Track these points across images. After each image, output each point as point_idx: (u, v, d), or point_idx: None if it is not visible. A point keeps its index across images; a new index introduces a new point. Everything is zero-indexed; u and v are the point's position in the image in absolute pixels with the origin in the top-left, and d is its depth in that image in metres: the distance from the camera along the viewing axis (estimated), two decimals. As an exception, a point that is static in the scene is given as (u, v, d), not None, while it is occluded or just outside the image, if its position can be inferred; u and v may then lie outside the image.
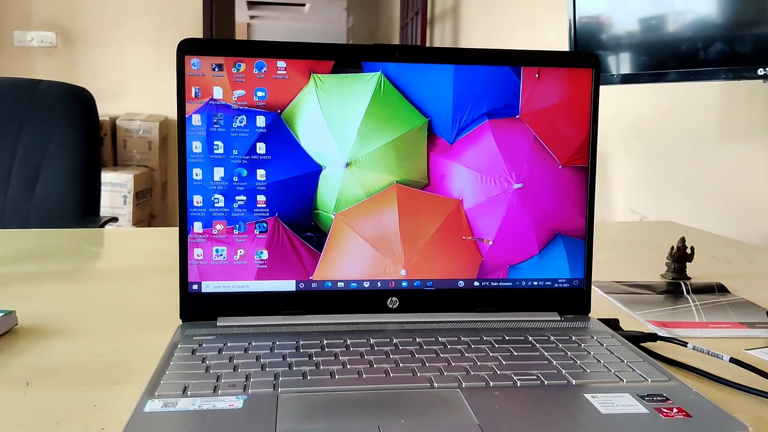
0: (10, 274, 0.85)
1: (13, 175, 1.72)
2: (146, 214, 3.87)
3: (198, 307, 0.62)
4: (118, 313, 0.70)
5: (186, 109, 0.60)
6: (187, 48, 0.60)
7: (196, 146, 0.61)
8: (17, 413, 0.47)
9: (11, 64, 3.94)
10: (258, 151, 0.62)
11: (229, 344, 0.56)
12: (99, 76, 3.98)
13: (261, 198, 0.62)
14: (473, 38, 3.43)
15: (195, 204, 0.61)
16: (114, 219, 1.82)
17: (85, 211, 1.75)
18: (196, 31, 4.09)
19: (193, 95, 0.61)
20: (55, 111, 1.75)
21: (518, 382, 0.49)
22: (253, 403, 0.45)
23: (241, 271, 0.62)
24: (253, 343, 0.56)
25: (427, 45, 4.17)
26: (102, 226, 1.71)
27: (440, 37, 4.05)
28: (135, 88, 3.98)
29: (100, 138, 1.85)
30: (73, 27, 3.99)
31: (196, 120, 0.61)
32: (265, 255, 0.63)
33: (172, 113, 4.18)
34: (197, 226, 0.62)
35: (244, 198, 0.62)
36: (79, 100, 1.78)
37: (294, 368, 0.51)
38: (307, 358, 0.53)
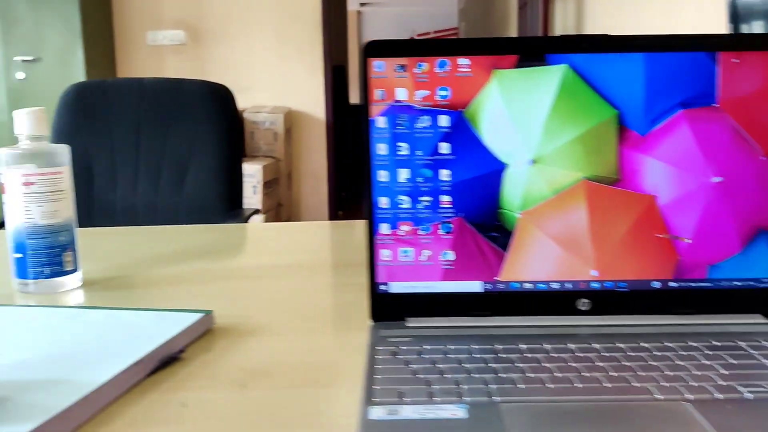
0: (185, 272, 0.89)
1: (163, 173, 1.82)
2: (274, 203, 4.00)
3: (386, 308, 0.62)
4: (304, 312, 0.71)
5: (371, 111, 0.61)
6: (370, 51, 0.60)
7: (381, 148, 0.61)
8: (240, 415, 0.48)
9: (145, 63, 4.16)
10: (442, 151, 0.61)
11: (425, 347, 0.56)
12: (225, 70, 4.14)
13: (445, 198, 0.62)
14: (599, 18, 3.29)
15: (381, 205, 0.62)
16: (256, 211, 1.89)
17: (230, 205, 1.82)
18: (315, 23, 4.16)
19: (377, 97, 0.61)
20: (198, 108, 1.83)
21: (749, 395, 0.46)
22: (476, 412, 0.44)
23: (427, 272, 0.62)
24: (449, 347, 0.56)
25: (550, 26, 4.05)
26: (247, 219, 1.78)
27: (562, 18, 3.92)
28: (259, 81, 4.10)
29: (241, 133, 1.91)
30: (200, 25, 4.16)
31: (381, 122, 0.61)
32: (450, 256, 0.62)
33: (296, 104, 4.30)
34: (384, 228, 0.62)
35: (429, 199, 0.62)
36: (221, 97, 1.85)
37: (501, 374, 0.50)
38: (510, 364, 0.52)
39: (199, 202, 1.81)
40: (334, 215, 4.60)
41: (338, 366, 0.57)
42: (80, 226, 0.85)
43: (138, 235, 1.15)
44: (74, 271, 0.80)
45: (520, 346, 0.56)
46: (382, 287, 0.63)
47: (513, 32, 5.45)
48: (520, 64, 0.60)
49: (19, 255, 0.77)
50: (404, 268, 0.62)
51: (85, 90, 1.84)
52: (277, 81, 4.22)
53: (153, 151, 1.81)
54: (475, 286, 0.62)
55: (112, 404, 0.50)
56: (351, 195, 5.80)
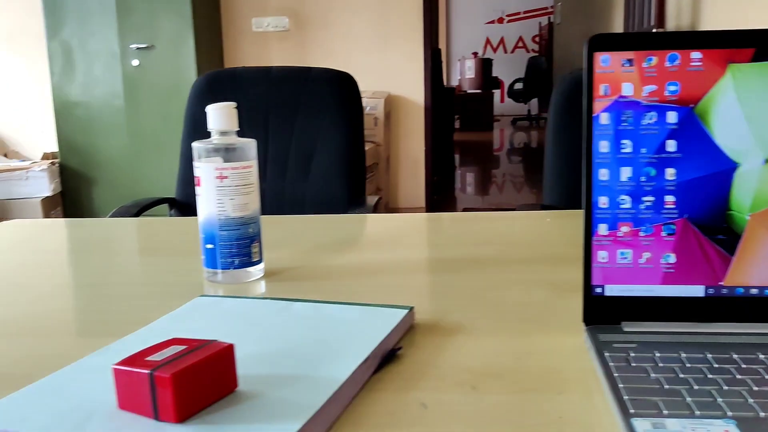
0: (355, 262, 0.89)
1: (290, 160, 1.85)
2: (373, 187, 4.02)
3: (602, 311, 0.61)
4: (502, 310, 0.70)
5: (594, 107, 0.59)
6: (596, 44, 0.58)
7: (603, 146, 0.59)
8: (481, 419, 0.48)
9: (251, 49, 4.25)
10: (668, 149, 0.58)
11: (657, 354, 0.54)
12: (327, 56, 4.18)
13: (670, 198, 0.59)
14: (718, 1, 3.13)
15: (600, 205, 0.60)
16: (380, 199, 1.90)
17: (354, 192, 1.83)
18: (415, 7, 4.14)
19: (601, 93, 0.58)
20: (324, 97, 1.84)
21: None
22: (749, 430, 0.42)
23: (646, 275, 0.60)
24: (683, 354, 0.54)
25: (663, 10, 3.88)
26: (374, 208, 1.78)
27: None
28: (360, 66, 4.12)
29: (363, 121, 1.92)
30: (303, 11, 4.21)
31: (604, 119, 0.59)
32: (672, 258, 0.59)
33: (395, 90, 4.30)
34: (602, 228, 0.60)
35: (652, 199, 0.59)
36: (346, 85, 1.86)
37: (756, 388, 0.48)
38: (759, 376, 0.50)
39: (324, 189, 1.83)
40: (430, 199, 4.59)
41: (564, 371, 0.55)
42: (260, 218, 0.86)
43: (292, 223, 1.17)
44: (259, 262, 0.82)
45: (760, 356, 0.53)
46: (598, 290, 0.61)
47: (619, 12, 5.26)
48: (758, 57, 0.57)
49: (210, 246, 0.80)
50: (622, 270, 0.60)
51: (215, 79, 1.89)
52: (378, 66, 4.23)
53: (281, 139, 1.84)
54: (696, 290, 0.60)
55: (352, 403, 0.51)
56: (442, 179, 5.77)
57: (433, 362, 0.58)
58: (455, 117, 8.35)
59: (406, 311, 0.64)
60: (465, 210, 4.96)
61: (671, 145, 0.58)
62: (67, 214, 4.15)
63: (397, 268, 0.87)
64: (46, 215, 3.92)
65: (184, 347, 0.48)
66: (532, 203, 4.27)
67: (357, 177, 1.85)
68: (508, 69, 10.46)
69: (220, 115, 0.78)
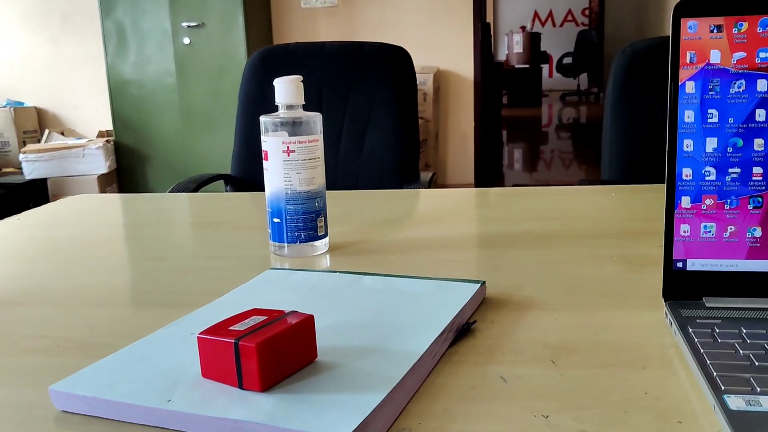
0: (417, 237, 0.89)
1: (344, 136, 1.84)
2: (422, 164, 4.00)
3: (683, 286, 0.59)
4: (574, 284, 0.69)
5: (680, 75, 0.56)
6: (683, 10, 0.56)
7: (689, 116, 0.57)
8: (564, 394, 0.47)
9: (300, 25, 4.25)
10: (757, 119, 0.56)
11: (744, 330, 0.52)
12: (375, 31, 4.15)
13: (757, 170, 0.57)
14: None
15: (684, 177, 0.58)
16: (434, 174, 1.88)
17: (407, 168, 1.82)
18: (466, -20, 4.07)
19: (687, 60, 0.56)
20: (378, 71, 1.83)
21: None
22: None
23: (731, 249, 0.58)
24: (771, 332, 0.52)
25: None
26: (430, 183, 1.78)
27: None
28: (409, 41, 4.08)
29: (417, 96, 1.90)
30: (351, -14, 4.18)
31: (690, 87, 0.56)
32: (758, 232, 0.57)
33: (444, 64, 4.25)
34: (685, 201, 0.58)
35: (738, 170, 0.57)
36: (400, 60, 1.84)
37: None
38: None
39: (377, 165, 1.82)
40: (479, 175, 4.55)
41: (644, 346, 0.54)
42: (324, 192, 0.86)
43: (350, 198, 1.17)
44: (325, 236, 0.82)
45: None
46: (679, 264, 0.59)
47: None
48: None
49: (277, 220, 0.80)
50: (705, 245, 0.58)
51: (269, 55, 1.89)
52: (427, 40, 4.19)
53: (334, 114, 1.84)
54: (784, 265, 0.57)
55: (431, 375, 0.50)
56: (490, 156, 5.71)
57: (509, 336, 0.57)
58: (503, 92, 8.24)
59: (478, 285, 0.64)
60: (514, 186, 4.91)
61: (760, 115, 0.56)
62: (122, 192, 4.25)
63: (460, 243, 0.86)
64: (102, 191, 4.02)
65: (264, 317, 0.48)
66: (588, 179, 4.20)
67: (410, 152, 1.84)
68: (557, 43, 10.26)
69: (287, 89, 0.78)
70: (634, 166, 1.61)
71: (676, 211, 0.58)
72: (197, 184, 1.67)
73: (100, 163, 4.02)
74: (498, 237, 0.88)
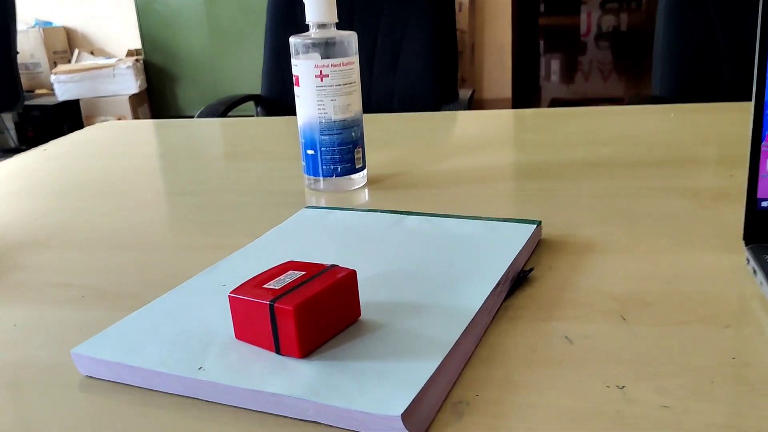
0: (462, 168, 0.82)
1: (377, 54, 1.75)
2: (458, 78, 3.87)
3: (767, 228, 0.52)
4: (636, 222, 0.63)
5: (778, -15, 0.48)
6: None
7: (786, 33, 0.49)
8: (639, 358, 0.42)
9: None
10: None
11: (844, 283, 0.46)
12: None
13: None
14: None
15: (776, 106, 0.50)
16: (473, 92, 1.80)
17: (445, 86, 1.74)
18: None
19: (788, -33, 0.48)
20: (413, -16, 1.72)
21: None
22: None
23: (826, 187, 0.51)
24: None
25: None
26: (469, 104, 1.69)
27: None
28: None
29: (454, 7, 1.79)
30: None
31: (790, -1, 0.48)
32: None
33: (481, -28, 4.03)
34: (776, 133, 0.51)
35: (842, 96, 0.49)
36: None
37: None
38: None
39: (413, 84, 1.74)
40: (516, 90, 4.40)
41: (725, 299, 0.48)
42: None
43: (385, 122, 1.10)
44: (362, 168, 0.77)
45: None
46: (764, 203, 0.52)
47: None
48: None
49: (311, 152, 0.74)
50: (796, 182, 0.51)
51: (298, -32, 1.78)
52: (462, -54, 3.97)
53: (367, 32, 1.74)
54: None
55: (486, 334, 0.46)
56: (526, 67, 5.52)
57: (570, 286, 0.51)
58: None
59: (534, 226, 0.58)
60: (553, 101, 4.75)
61: None
62: (153, 111, 4.22)
63: (505, 174, 0.80)
64: (134, 112, 3.99)
65: (302, 273, 0.44)
66: (637, 94, 4.04)
67: (448, 69, 1.75)
68: (599, -55, 9.70)
69: (318, 5, 0.71)
70: (690, 81, 1.51)
71: (763, 143, 0.51)
72: (226, 107, 1.61)
73: (131, 83, 3.97)
74: (546, 166, 0.81)
